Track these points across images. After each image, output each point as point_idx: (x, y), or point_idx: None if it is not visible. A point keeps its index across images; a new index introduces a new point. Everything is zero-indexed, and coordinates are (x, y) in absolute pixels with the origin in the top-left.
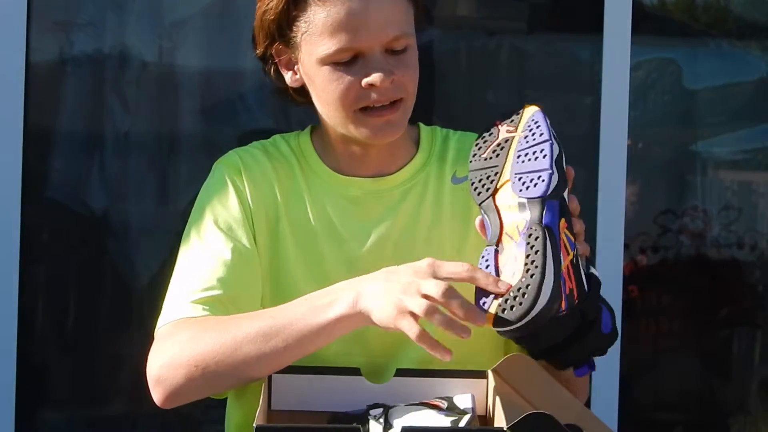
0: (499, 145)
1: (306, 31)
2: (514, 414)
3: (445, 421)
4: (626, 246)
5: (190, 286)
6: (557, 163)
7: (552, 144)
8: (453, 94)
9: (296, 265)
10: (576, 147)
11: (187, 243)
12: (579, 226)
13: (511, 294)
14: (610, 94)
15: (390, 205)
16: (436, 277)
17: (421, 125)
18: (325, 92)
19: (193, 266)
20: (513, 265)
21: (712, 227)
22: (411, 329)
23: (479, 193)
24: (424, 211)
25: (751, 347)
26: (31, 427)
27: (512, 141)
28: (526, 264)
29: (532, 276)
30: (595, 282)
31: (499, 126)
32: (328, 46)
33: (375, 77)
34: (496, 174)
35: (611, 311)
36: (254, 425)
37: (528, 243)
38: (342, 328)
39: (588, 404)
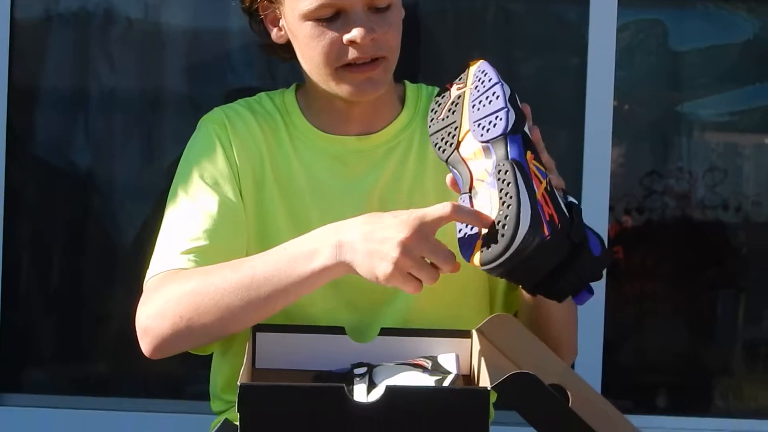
0: (453, 102)
1: None
2: (498, 374)
3: (429, 381)
4: (611, 207)
5: (177, 239)
6: (511, 101)
7: (502, 85)
8: (439, 55)
9: (281, 220)
10: (562, 108)
11: (173, 198)
12: (547, 157)
13: (492, 229)
14: (597, 55)
15: (374, 163)
16: (422, 228)
17: (407, 83)
18: (308, 48)
19: (180, 220)
20: (489, 204)
21: (698, 189)
22: (404, 286)
23: (443, 150)
24: (408, 168)
25: (735, 309)
26: (15, 386)
27: (464, 95)
28: (501, 198)
29: (508, 207)
30: (576, 208)
31: (449, 86)
32: (311, 1)
33: (355, 33)
34: (455, 128)
35: (598, 236)
36: (239, 383)
37: (499, 179)
38: (324, 279)
39: (572, 365)
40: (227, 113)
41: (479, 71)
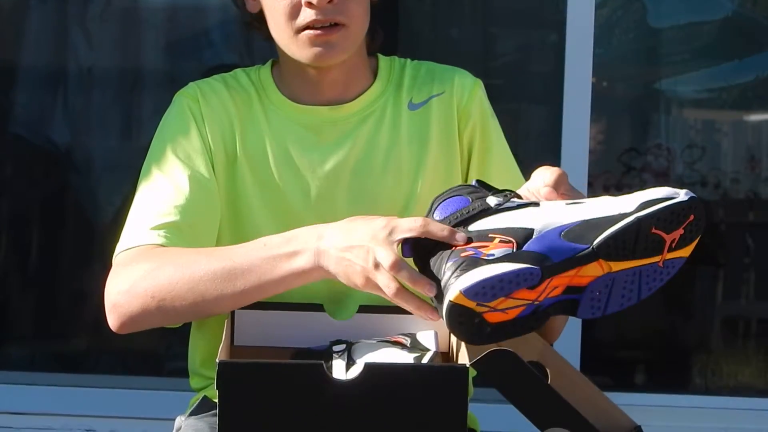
0: (658, 243)
1: None
2: (477, 351)
3: (408, 358)
4: (590, 184)
5: (148, 213)
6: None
7: (636, 302)
8: (418, 32)
9: (253, 193)
10: (540, 85)
11: (146, 173)
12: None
13: (480, 321)
14: (575, 32)
15: (347, 132)
16: (391, 239)
17: (380, 56)
18: (272, 10)
19: (152, 195)
20: (513, 305)
21: (676, 166)
22: (386, 289)
23: (608, 246)
24: (381, 138)
25: (713, 286)
26: None
27: (654, 257)
28: (507, 325)
29: (489, 336)
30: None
31: (686, 224)
32: None
33: None
34: (624, 257)
35: None
36: (217, 361)
37: (528, 318)
38: (302, 281)
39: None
40: (201, 88)
41: (673, 263)
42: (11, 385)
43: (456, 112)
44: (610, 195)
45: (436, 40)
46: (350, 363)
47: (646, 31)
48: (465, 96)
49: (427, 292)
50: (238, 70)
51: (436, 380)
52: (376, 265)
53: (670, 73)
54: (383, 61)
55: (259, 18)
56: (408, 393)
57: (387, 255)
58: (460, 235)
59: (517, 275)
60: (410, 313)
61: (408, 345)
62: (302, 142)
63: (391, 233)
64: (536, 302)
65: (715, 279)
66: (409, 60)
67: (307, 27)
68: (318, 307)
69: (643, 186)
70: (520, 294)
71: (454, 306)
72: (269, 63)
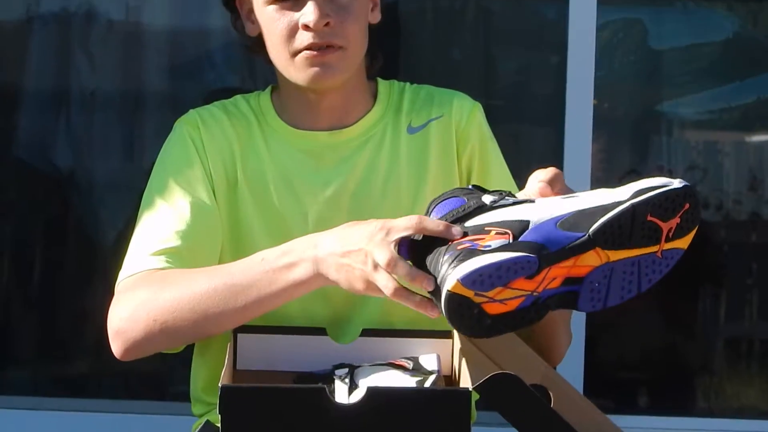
0: (656, 230)
1: None
2: (480, 374)
3: (411, 381)
4: None
5: (150, 240)
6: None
7: (637, 294)
8: (419, 54)
9: (254, 219)
10: (542, 106)
11: (147, 199)
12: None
13: (479, 311)
14: (576, 53)
15: (346, 157)
16: (388, 239)
17: (380, 80)
18: (269, 33)
19: (154, 221)
20: (511, 295)
21: None
22: (385, 290)
23: (603, 233)
24: (381, 162)
25: (716, 307)
26: None
27: (652, 246)
28: (505, 318)
29: (488, 329)
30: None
31: (682, 212)
32: None
33: (309, 18)
34: (620, 245)
35: None
36: (219, 385)
37: (528, 309)
38: (301, 291)
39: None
40: (201, 115)
41: (671, 254)
42: (13, 410)
43: (455, 135)
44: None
45: (437, 62)
46: (353, 387)
47: (647, 53)
48: (464, 119)
49: (426, 286)
50: (238, 97)
51: (439, 404)
52: (375, 266)
53: (672, 94)
54: (383, 85)
55: (259, 42)
56: (411, 417)
57: (383, 254)
58: (456, 229)
59: (514, 263)
60: (413, 337)
61: (410, 368)
62: (302, 167)
63: (387, 234)
64: (535, 293)
65: (717, 300)
66: (408, 84)
67: (303, 49)
68: (321, 331)
69: None
70: (519, 284)
71: (452, 295)
72: (269, 89)
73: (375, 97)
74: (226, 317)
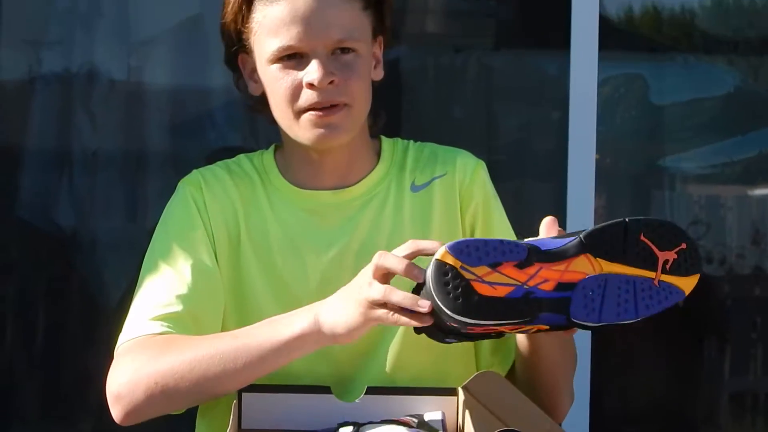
0: (650, 255)
1: (256, 32)
2: (485, 431)
3: None
4: None
5: (150, 303)
6: (611, 326)
7: (632, 319)
8: (421, 111)
9: (258, 279)
10: (544, 162)
11: (149, 261)
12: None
13: (465, 285)
14: (578, 109)
15: (350, 216)
16: (385, 267)
17: (383, 138)
18: (273, 92)
19: (154, 284)
20: (499, 281)
21: None
22: (385, 317)
23: (593, 236)
24: (385, 221)
25: (720, 362)
26: None
27: (648, 271)
28: (494, 301)
29: (478, 308)
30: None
31: (678, 248)
32: (274, 43)
33: (314, 76)
34: (612, 257)
35: None
36: None
37: (517, 300)
38: (302, 346)
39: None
40: (204, 175)
41: (670, 291)
42: None
43: (458, 193)
44: None
45: (439, 118)
46: None
47: (648, 108)
48: (467, 177)
49: (416, 278)
50: (242, 156)
51: None
52: (369, 284)
53: (674, 149)
54: (386, 143)
55: (262, 101)
56: None
57: (370, 268)
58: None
59: (501, 243)
60: (417, 394)
61: (415, 426)
62: (306, 226)
63: (382, 263)
64: (526, 286)
65: (722, 354)
66: (412, 142)
67: (308, 109)
68: (325, 390)
69: None
70: (508, 270)
71: (439, 264)
72: (272, 148)
73: (378, 155)
74: (227, 378)
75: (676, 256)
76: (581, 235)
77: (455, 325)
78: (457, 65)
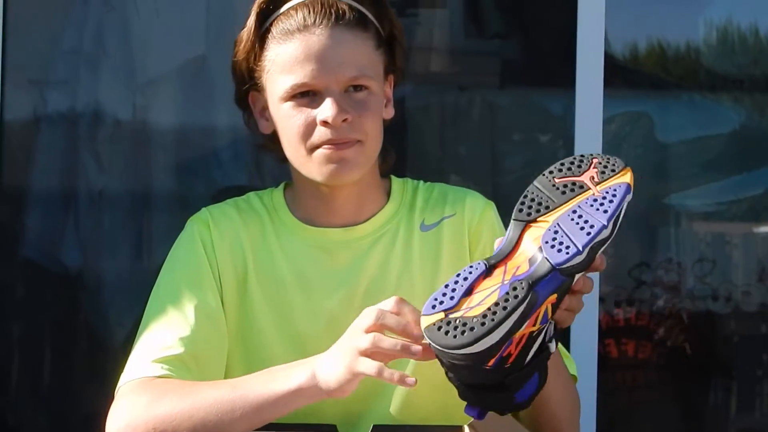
0: (575, 183)
1: (269, 70)
2: None
3: None
4: (601, 299)
5: (152, 345)
6: (593, 246)
7: (603, 227)
8: (426, 149)
9: (265, 317)
10: None
11: (153, 301)
12: (577, 304)
13: (459, 321)
14: (584, 147)
15: (359, 254)
16: (382, 323)
17: (393, 177)
18: (286, 130)
19: (158, 325)
20: (482, 297)
21: (687, 279)
22: (370, 368)
23: (521, 210)
24: (394, 259)
25: (727, 399)
26: None
27: (584, 192)
28: (491, 308)
29: (483, 325)
30: (542, 358)
31: (593, 166)
32: (287, 81)
33: (328, 113)
34: (546, 208)
35: (540, 384)
36: None
37: (508, 292)
38: (299, 400)
39: None
40: (212, 213)
41: (613, 189)
42: None
43: (467, 233)
44: (622, 310)
45: (444, 157)
46: None
47: (654, 146)
48: (476, 218)
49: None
50: (251, 194)
51: None
52: (364, 331)
53: (679, 187)
54: (396, 182)
55: (273, 139)
56: None
57: (365, 317)
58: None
59: (459, 275)
60: None
61: None
62: (315, 264)
63: (377, 317)
64: (505, 281)
65: (728, 392)
66: (422, 182)
67: (322, 145)
68: (332, 429)
69: (654, 301)
70: (481, 284)
71: (429, 327)
72: (282, 186)
73: (388, 194)
74: (225, 427)
75: (596, 169)
76: (512, 217)
77: (477, 361)
78: (462, 104)
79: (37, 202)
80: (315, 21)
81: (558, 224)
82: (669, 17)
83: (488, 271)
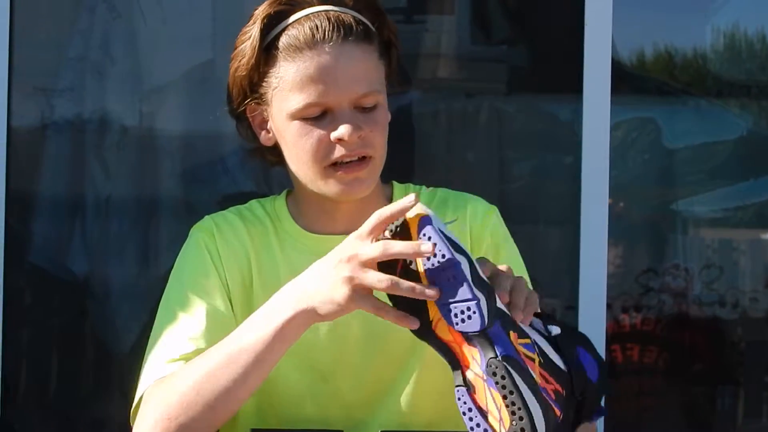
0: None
1: (277, 87)
2: None
3: None
4: (608, 306)
5: (167, 348)
6: (474, 281)
7: (457, 263)
8: (433, 156)
9: None
10: (557, 207)
11: (163, 310)
12: (525, 296)
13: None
14: (591, 153)
15: None
16: (359, 239)
17: (395, 183)
18: (296, 148)
19: (170, 330)
20: (494, 406)
21: (694, 286)
22: (369, 305)
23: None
24: None
25: (734, 405)
26: None
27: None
28: (508, 407)
29: (521, 419)
30: (561, 338)
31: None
32: (298, 100)
33: (343, 131)
34: (420, 308)
35: (594, 354)
36: None
37: (497, 382)
38: (291, 334)
39: None
40: (216, 221)
41: (422, 235)
42: None
43: (469, 238)
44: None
45: (451, 163)
46: None
47: (661, 152)
48: (477, 222)
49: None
50: (254, 202)
51: None
52: (362, 265)
53: (686, 193)
54: (398, 188)
55: (271, 148)
56: None
57: (371, 248)
58: (426, 246)
59: (462, 406)
60: None
61: None
62: None
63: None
64: (485, 379)
65: (735, 398)
66: (424, 187)
67: (335, 162)
68: None
69: (661, 307)
70: (479, 401)
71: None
72: (284, 193)
73: (390, 200)
74: (232, 387)
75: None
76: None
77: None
78: (469, 110)
79: (44, 209)
80: (324, 37)
81: (441, 303)
82: (676, 23)
83: (468, 388)
